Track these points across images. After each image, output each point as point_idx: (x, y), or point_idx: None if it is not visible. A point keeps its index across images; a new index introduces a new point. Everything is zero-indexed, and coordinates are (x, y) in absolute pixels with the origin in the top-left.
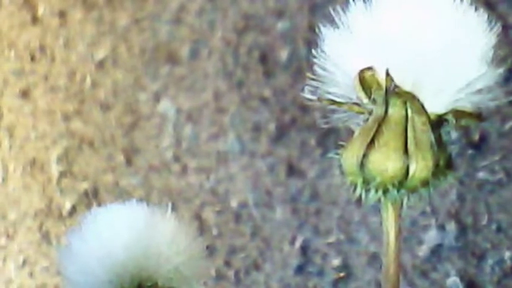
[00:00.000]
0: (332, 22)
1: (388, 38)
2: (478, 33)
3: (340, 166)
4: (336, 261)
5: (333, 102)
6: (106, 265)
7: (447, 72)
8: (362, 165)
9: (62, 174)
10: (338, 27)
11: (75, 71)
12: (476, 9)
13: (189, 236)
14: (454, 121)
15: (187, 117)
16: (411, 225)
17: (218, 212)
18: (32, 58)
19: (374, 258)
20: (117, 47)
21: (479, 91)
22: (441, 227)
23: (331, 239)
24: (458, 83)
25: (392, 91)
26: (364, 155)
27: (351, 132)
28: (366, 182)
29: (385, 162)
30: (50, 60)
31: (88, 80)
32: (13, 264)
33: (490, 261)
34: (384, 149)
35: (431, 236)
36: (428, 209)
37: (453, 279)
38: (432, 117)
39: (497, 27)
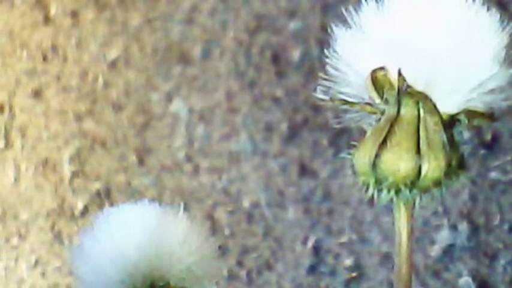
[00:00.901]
0: (344, 22)
1: (401, 37)
2: (490, 33)
3: (353, 166)
4: (348, 261)
5: (345, 102)
6: (118, 265)
7: (459, 72)
8: (374, 165)
9: (74, 174)
10: (350, 27)
11: (88, 71)
12: (488, 9)
13: (201, 236)
14: (467, 121)
15: (199, 117)
16: (423, 225)
17: (230, 212)
18: (44, 58)
19: (386, 258)
20: (129, 47)
21: (492, 91)
22: (453, 227)
23: (344, 239)
24: (470, 82)
25: (404, 91)
26: (377, 155)
27: (363, 132)
28: (378, 182)
29: (398, 162)
30: (62, 60)
31: (100, 80)
32: (25, 264)
33: (502, 261)
34: (396, 149)
35: (444, 236)
36: (440, 209)
37: (465, 279)
38: (444, 117)
39: (510, 27)
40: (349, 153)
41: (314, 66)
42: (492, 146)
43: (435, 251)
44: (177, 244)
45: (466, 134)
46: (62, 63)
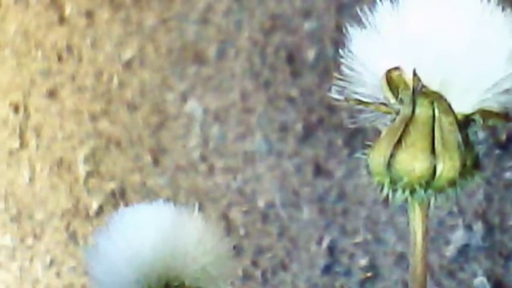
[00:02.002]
0: (359, 22)
1: (415, 38)
2: (505, 33)
3: (367, 166)
4: (363, 261)
5: (360, 102)
6: (133, 265)
7: (474, 72)
8: (389, 165)
9: (89, 174)
10: (365, 27)
11: (102, 71)
12: (503, 9)
13: (216, 236)
14: (481, 121)
15: (214, 117)
16: (438, 225)
17: (245, 212)
18: (59, 58)
19: (401, 258)
20: (144, 47)
21: (506, 91)
22: (468, 227)
23: (358, 239)
24: (485, 82)
25: (419, 91)
26: (391, 155)
27: (378, 132)
28: (393, 182)
29: (412, 162)
30: (77, 60)
31: (115, 80)
32: (40, 264)
33: None
34: (411, 149)
35: (459, 236)
36: (455, 209)
37: (480, 279)
38: (459, 117)
39: None
40: (364, 153)
41: (329, 66)
42: (507, 146)
43: (450, 251)
44: (192, 244)
45: (481, 134)
46: (76, 63)
